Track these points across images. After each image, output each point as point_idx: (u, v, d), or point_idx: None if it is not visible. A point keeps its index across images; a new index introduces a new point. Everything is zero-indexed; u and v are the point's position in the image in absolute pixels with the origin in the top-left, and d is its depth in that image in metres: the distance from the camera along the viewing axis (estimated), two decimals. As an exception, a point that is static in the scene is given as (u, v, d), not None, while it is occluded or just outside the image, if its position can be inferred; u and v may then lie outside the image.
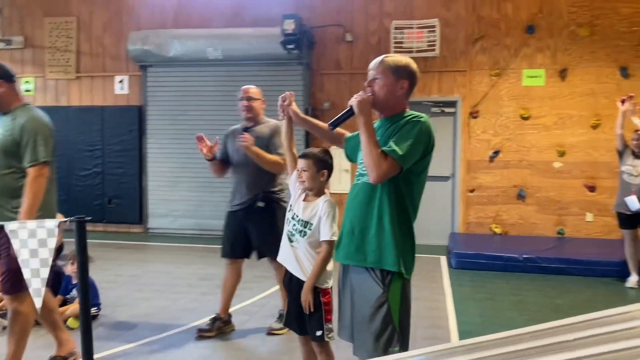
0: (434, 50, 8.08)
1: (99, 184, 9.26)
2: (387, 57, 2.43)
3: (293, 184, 2.94)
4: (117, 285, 5.76)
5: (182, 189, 9.03)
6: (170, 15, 9.06)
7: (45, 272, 2.88)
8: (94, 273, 4.06)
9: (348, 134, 2.76)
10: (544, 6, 7.97)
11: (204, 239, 8.66)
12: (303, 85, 8.42)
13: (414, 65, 2.43)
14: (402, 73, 2.39)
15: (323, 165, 2.86)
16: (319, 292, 2.81)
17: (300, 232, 2.86)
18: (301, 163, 2.87)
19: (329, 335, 2.79)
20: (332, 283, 2.87)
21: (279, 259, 2.99)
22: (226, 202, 8.79)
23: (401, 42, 8.19)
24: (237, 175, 4.29)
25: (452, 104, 8.30)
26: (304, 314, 2.83)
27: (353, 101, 2.32)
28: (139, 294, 5.47)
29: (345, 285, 2.49)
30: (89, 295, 2.97)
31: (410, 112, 2.41)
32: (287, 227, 2.91)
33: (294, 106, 2.81)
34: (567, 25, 7.93)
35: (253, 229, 4.18)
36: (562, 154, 7.98)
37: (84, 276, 2.88)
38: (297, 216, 2.88)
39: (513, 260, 6.64)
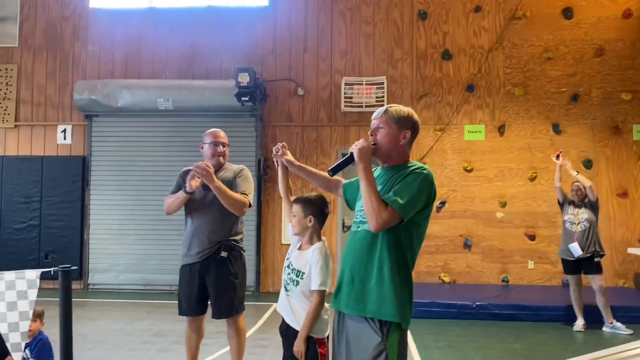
0: (382, 105, 8.40)
1: (35, 237, 8.74)
2: (390, 107, 2.45)
3: (291, 233, 2.95)
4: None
5: (126, 242, 8.70)
6: (119, 66, 8.97)
7: (25, 326, 2.70)
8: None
9: (344, 181, 2.78)
10: (482, 67, 8.58)
11: (150, 294, 8.31)
12: (255, 136, 8.50)
13: (415, 116, 2.47)
14: (404, 123, 2.41)
15: (311, 210, 2.86)
16: (314, 342, 2.78)
17: (294, 281, 2.85)
18: (293, 207, 2.89)
19: None
20: (328, 332, 2.83)
21: (277, 308, 2.95)
22: (173, 255, 8.52)
23: (351, 98, 8.50)
24: (196, 220, 3.86)
25: (400, 156, 8.61)
26: (297, 361, 2.78)
27: (354, 148, 2.33)
28: (91, 353, 5.14)
29: (341, 334, 2.44)
30: (51, 354, 2.79)
31: (413, 163, 2.42)
32: (284, 276, 2.90)
33: (288, 155, 2.85)
34: (504, 84, 8.55)
35: (212, 282, 3.81)
36: (503, 204, 8.41)
37: (68, 332, 2.71)
38: (292, 265, 2.88)
39: (466, 307, 6.82)
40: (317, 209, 2.89)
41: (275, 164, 2.91)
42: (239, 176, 3.93)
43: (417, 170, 2.33)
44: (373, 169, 2.48)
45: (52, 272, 2.69)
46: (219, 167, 3.94)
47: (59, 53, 9.08)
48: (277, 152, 2.86)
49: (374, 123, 2.46)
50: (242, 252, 3.96)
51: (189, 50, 8.91)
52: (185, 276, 3.90)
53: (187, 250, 3.89)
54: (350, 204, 2.69)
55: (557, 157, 6.52)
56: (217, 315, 3.87)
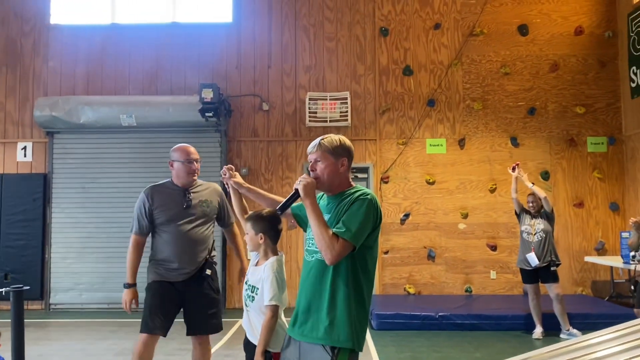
0: (346, 120, 8.56)
1: (-6, 257, 8.54)
2: (322, 139, 2.50)
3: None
4: (23, 367, 5.27)
5: (89, 260, 8.56)
6: (80, 82, 8.90)
7: (-27, 349, 2.66)
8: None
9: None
10: (442, 82, 8.79)
11: (114, 313, 8.18)
12: (220, 151, 8.51)
13: (347, 141, 2.53)
14: (340, 152, 2.47)
15: (261, 227, 2.91)
16: (271, 356, 2.81)
17: (249, 297, 2.90)
18: (245, 225, 2.94)
19: None
20: None
21: (242, 323, 2.98)
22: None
23: (315, 112, 8.61)
24: (181, 236, 3.77)
25: (365, 169, 8.74)
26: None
27: (298, 185, 2.39)
28: (51, 375, 5.05)
29: (289, 356, 2.48)
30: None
31: (356, 188, 2.48)
32: (243, 291, 2.94)
33: (237, 177, 2.92)
34: (463, 99, 8.78)
35: (195, 299, 3.76)
36: (465, 215, 8.60)
37: (20, 353, 2.69)
38: (248, 281, 2.92)
39: (429, 318, 6.92)
40: (267, 226, 2.93)
41: (226, 186, 2.96)
42: (225, 202, 4.01)
43: (362, 197, 2.39)
44: (319, 197, 2.56)
45: (2, 293, 2.68)
46: (190, 185, 3.90)
47: (19, 69, 8.96)
48: (225, 175, 2.93)
49: (310, 157, 2.52)
50: (215, 268, 3.97)
51: (152, 66, 8.90)
52: (165, 293, 3.74)
53: (170, 268, 3.77)
54: (303, 226, 2.72)
55: (513, 169, 6.72)
56: (204, 331, 3.83)
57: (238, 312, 8.01)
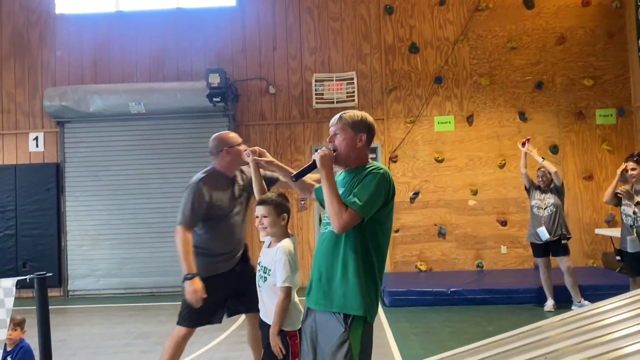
0: (353, 100, 8.56)
1: (12, 246, 8.70)
2: (344, 113, 2.58)
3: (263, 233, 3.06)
4: (47, 352, 5.42)
5: (104, 247, 8.71)
6: (88, 71, 8.95)
7: (3, 334, 2.77)
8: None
9: (317, 185, 2.86)
10: (449, 59, 8.75)
11: (131, 298, 8.35)
12: (229, 136, 8.56)
13: (369, 118, 2.60)
14: (359, 127, 2.54)
15: (282, 209, 2.98)
16: (285, 335, 2.89)
17: (262, 277, 2.97)
18: (260, 210, 2.95)
19: None
20: (300, 326, 2.94)
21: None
22: (152, 257, 8.42)
23: (322, 94, 8.62)
24: (235, 229, 3.71)
25: (373, 150, 8.77)
26: (272, 354, 2.89)
27: (316, 156, 2.47)
28: (74, 358, 5.20)
29: (308, 327, 2.57)
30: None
31: (371, 164, 2.54)
32: (257, 273, 3.01)
33: (267, 156, 2.99)
34: (470, 75, 8.75)
35: (248, 280, 3.58)
36: (474, 192, 8.62)
37: (46, 337, 2.79)
38: (261, 262, 2.99)
39: (441, 294, 7.00)
40: (286, 207, 3.01)
41: (251, 164, 3.02)
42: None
43: (374, 171, 2.46)
44: (337, 173, 2.62)
45: (27, 280, 2.77)
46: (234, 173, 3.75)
47: (27, 60, 9.02)
48: (249, 156, 2.98)
49: (331, 130, 2.59)
50: None
51: (158, 52, 8.92)
52: (218, 286, 3.57)
53: (225, 259, 3.67)
54: (322, 205, 2.75)
55: (523, 144, 6.72)
56: (244, 311, 3.81)
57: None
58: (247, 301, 3.64)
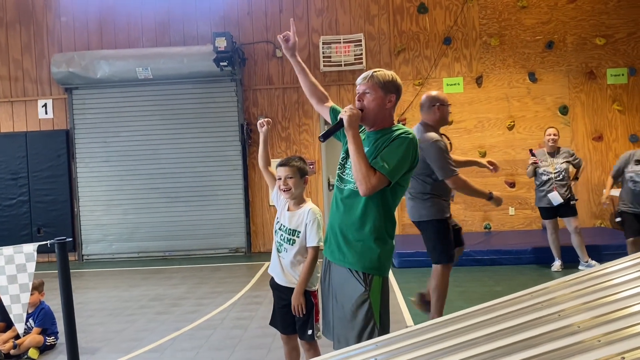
0: (361, 63, 8.48)
1: (26, 212, 8.85)
2: (375, 72, 2.50)
3: (276, 199, 3.11)
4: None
5: (116, 212, 8.84)
6: (94, 36, 8.90)
7: (25, 298, 2.87)
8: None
9: (332, 104, 2.81)
10: (458, 19, 8.62)
11: (144, 262, 8.52)
12: (237, 101, 8.56)
13: (399, 79, 2.54)
14: (390, 87, 2.48)
15: (304, 172, 3.04)
16: (309, 294, 2.98)
17: (289, 240, 3.01)
18: (285, 171, 2.98)
19: (318, 334, 2.95)
20: (318, 286, 3.03)
21: (269, 270, 3.15)
22: (163, 222, 8.63)
23: (330, 57, 8.54)
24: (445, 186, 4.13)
25: (381, 113, 8.73)
26: (290, 314, 2.97)
27: (344, 115, 2.40)
28: (92, 320, 5.36)
29: (328, 282, 2.61)
30: (54, 322, 2.97)
31: (398, 127, 2.51)
32: (276, 238, 3.06)
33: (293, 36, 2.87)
34: (480, 36, 8.62)
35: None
36: (483, 154, 8.61)
37: (69, 300, 2.88)
38: (285, 226, 3.03)
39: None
40: (307, 171, 3.07)
41: (263, 136, 3.14)
42: None
43: (403, 135, 2.43)
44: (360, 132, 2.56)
45: (48, 245, 2.84)
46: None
47: (33, 26, 8.97)
48: (263, 125, 3.11)
49: (359, 89, 2.52)
50: None
51: (164, 16, 8.83)
52: (446, 229, 4.14)
53: (444, 209, 4.19)
54: (339, 139, 2.69)
55: (532, 154, 6.61)
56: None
57: (263, 256, 8.31)
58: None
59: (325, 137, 2.51)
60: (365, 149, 2.45)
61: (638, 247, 5.64)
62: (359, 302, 2.43)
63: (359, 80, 2.54)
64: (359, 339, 2.39)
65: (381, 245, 2.45)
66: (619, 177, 5.96)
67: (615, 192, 8.10)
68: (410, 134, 2.46)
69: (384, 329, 2.49)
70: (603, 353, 1.27)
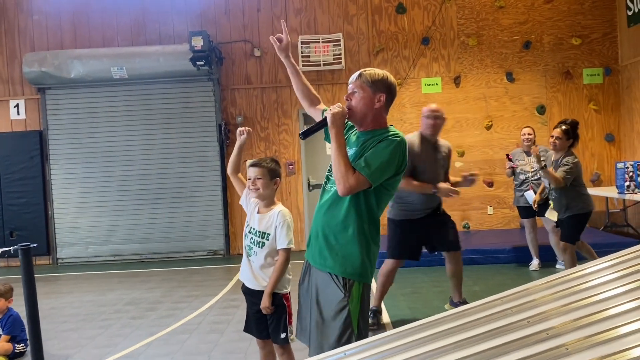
0: (340, 63, 8.45)
1: (-2, 216, 8.63)
2: (364, 71, 2.44)
3: (245, 203, 3.06)
4: (37, 320, 5.44)
5: (92, 215, 8.67)
6: (67, 35, 8.71)
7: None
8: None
9: (324, 106, 2.74)
10: (436, 19, 8.63)
11: (120, 265, 8.37)
12: (214, 101, 8.45)
13: (391, 78, 2.46)
14: (379, 86, 2.39)
15: (275, 173, 2.99)
16: (280, 297, 2.92)
17: (259, 243, 2.96)
18: (255, 171, 2.94)
19: (291, 337, 2.90)
20: (290, 289, 2.98)
21: (240, 276, 3.11)
22: (140, 224, 8.53)
23: (308, 56, 8.48)
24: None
25: (360, 113, 8.70)
26: (264, 318, 2.92)
27: (328, 113, 2.35)
28: (65, 326, 5.22)
29: (307, 286, 2.54)
30: (24, 329, 2.87)
31: (389, 130, 2.42)
32: (245, 242, 3.00)
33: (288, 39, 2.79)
34: (458, 36, 8.65)
35: (437, 229, 4.97)
36: (462, 154, 8.64)
37: (34, 309, 2.78)
38: (254, 229, 2.98)
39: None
40: (278, 172, 3.02)
41: (239, 143, 3.07)
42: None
43: (391, 137, 2.35)
44: (351, 129, 2.52)
45: (11, 251, 2.74)
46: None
47: (3, 24, 8.75)
48: (242, 134, 3.06)
49: (349, 88, 2.46)
50: None
51: (139, 14, 8.69)
52: (409, 228, 4.76)
53: (412, 209, 4.82)
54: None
55: (509, 159, 6.61)
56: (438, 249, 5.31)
57: (241, 259, 8.18)
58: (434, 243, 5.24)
59: (305, 134, 2.45)
60: (354, 149, 2.40)
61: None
62: (337, 308, 2.37)
63: (350, 79, 2.48)
64: (335, 345, 2.32)
65: (363, 251, 2.37)
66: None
67: (595, 191, 8.18)
68: (399, 136, 2.38)
69: (361, 337, 2.41)
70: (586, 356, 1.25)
